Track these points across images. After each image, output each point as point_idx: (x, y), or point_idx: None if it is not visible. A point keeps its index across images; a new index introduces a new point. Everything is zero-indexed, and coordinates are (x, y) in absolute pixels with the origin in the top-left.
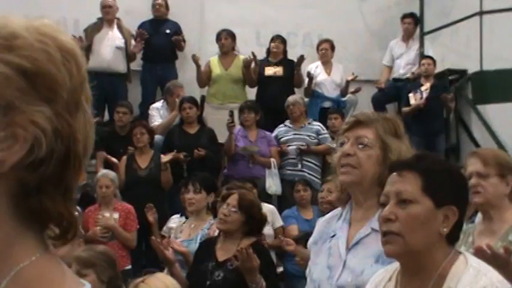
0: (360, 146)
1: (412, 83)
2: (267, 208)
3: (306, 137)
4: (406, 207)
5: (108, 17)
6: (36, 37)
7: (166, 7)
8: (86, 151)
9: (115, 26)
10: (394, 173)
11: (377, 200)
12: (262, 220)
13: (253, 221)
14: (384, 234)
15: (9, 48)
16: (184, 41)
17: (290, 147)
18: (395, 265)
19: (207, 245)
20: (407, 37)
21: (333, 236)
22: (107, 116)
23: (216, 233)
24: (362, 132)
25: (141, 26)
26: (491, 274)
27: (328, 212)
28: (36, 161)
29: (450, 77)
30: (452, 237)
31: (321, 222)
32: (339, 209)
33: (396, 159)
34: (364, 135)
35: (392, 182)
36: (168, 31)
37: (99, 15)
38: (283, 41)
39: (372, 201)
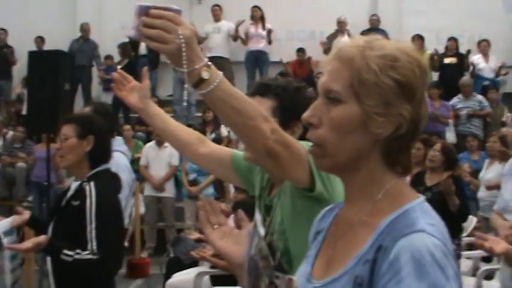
0: None
1: None
2: None
3: (472, 105)
4: None
5: (341, 28)
6: (406, 59)
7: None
8: (422, 127)
9: (346, 34)
10: None
11: None
12: (456, 159)
13: (451, 160)
14: None
15: (392, 67)
16: None
17: (462, 112)
18: None
19: (418, 176)
20: None
21: None
22: None
23: None
24: None
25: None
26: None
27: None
28: (398, 135)
29: None
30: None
31: None
32: None
33: None
34: None
35: None
36: None
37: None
38: (456, 40)
39: None
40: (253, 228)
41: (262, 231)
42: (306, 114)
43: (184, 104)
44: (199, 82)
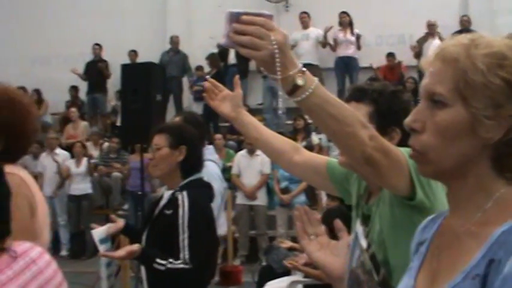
0: None
1: None
2: None
3: None
4: None
5: (431, 31)
6: None
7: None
8: None
9: (436, 37)
10: None
11: None
12: None
13: None
14: None
15: (501, 66)
16: None
17: None
18: None
19: None
20: None
21: None
22: None
23: None
24: None
25: None
26: None
27: None
28: (509, 139)
29: None
30: None
31: None
32: None
33: None
34: None
35: None
36: None
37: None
38: None
39: None
40: (354, 240)
41: (364, 243)
42: (408, 120)
43: (280, 111)
44: (294, 89)
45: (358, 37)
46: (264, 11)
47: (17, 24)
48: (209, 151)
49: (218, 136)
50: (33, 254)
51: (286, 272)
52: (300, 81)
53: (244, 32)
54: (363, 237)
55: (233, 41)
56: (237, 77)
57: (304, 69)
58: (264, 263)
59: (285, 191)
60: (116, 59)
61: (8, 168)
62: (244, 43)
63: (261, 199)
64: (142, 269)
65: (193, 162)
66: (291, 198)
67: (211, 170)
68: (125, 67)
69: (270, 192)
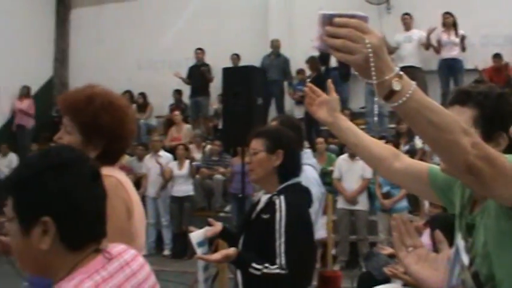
0: None
1: None
2: None
3: None
4: None
5: None
6: None
7: None
8: None
9: None
10: None
11: None
12: None
13: None
14: None
15: None
16: None
17: None
18: None
19: None
20: None
21: None
22: None
23: None
24: None
25: None
26: None
27: None
28: None
29: None
30: None
31: None
32: None
33: None
34: None
35: None
36: None
37: None
38: None
39: None
40: (454, 255)
41: (466, 259)
42: None
43: (375, 118)
44: (390, 94)
45: (462, 38)
46: (358, 13)
47: (124, 31)
48: (307, 155)
49: (320, 140)
50: (127, 256)
51: (386, 280)
52: (396, 86)
53: (337, 34)
54: (465, 253)
55: (326, 44)
56: (329, 81)
57: (401, 73)
58: (363, 269)
59: (387, 195)
60: (218, 62)
61: (106, 171)
62: (338, 46)
63: (362, 204)
64: (239, 272)
65: (291, 167)
66: (392, 204)
67: (309, 175)
68: (226, 71)
69: (371, 197)
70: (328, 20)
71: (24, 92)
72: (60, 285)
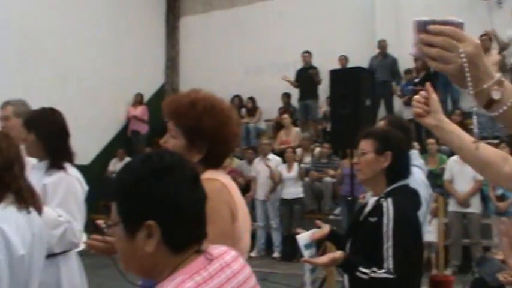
0: None
1: None
2: None
3: None
4: None
5: None
6: None
7: None
8: None
9: None
10: None
11: None
12: None
13: None
14: None
15: None
16: None
17: None
18: None
19: None
20: None
21: None
22: None
23: None
24: None
25: None
26: None
27: None
28: None
29: None
30: None
31: None
32: None
33: None
34: None
35: None
36: None
37: None
38: None
39: None
40: None
41: None
42: None
43: (475, 130)
44: (489, 103)
45: None
46: (453, 19)
47: (232, 37)
48: (414, 156)
49: (431, 141)
50: (227, 258)
51: (500, 286)
52: (495, 95)
53: (432, 43)
54: None
55: (421, 52)
56: (427, 83)
57: (502, 79)
58: (476, 275)
59: (501, 198)
60: (326, 65)
61: (210, 174)
62: (432, 56)
63: (475, 206)
64: (345, 276)
65: (399, 169)
66: (507, 206)
67: (416, 176)
68: (333, 73)
69: (484, 199)
70: (422, 26)
71: (138, 99)
72: (162, 285)
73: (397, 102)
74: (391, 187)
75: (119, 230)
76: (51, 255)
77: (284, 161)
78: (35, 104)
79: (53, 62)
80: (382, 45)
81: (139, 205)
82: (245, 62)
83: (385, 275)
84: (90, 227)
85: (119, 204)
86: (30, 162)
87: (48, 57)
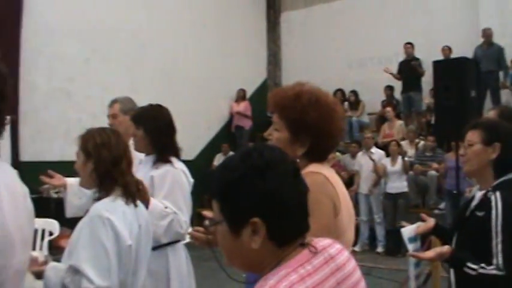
0: None
1: None
2: None
3: None
4: None
5: None
6: None
7: None
8: None
9: None
10: None
11: None
12: None
13: None
14: None
15: None
16: None
17: None
18: None
19: None
20: None
21: None
22: None
23: None
24: None
25: None
26: None
27: None
28: None
29: None
30: None
31: None
32: None
33: None
34: None
35: None
36: None
37: None
38: None
39: None
40: None
41: None
42: None
43: None
44: None
45: None
46: None
47: (333, 31)
48: None
49: None
50: (332, 251)
51: None
52: None
53: None
54: None
55: None
56: None
57: None
58: None
59: None
60: (428, 56)
61: (313, 167)
62: None
63: None
64: (452, 271)
65: (508, 161)
66: None
67: None
68: (436, 64)
69: None
70: None
71: (241, 95)
72: (266, 278)
73: (504, 93)
74: (499, 180)
75: (223, 228)
76: (160, 246)
77: (387, 155)
78: (142, 102)
79: (158, 61)
80: (486, 33)
81: (243, 203)
82: (347, 55)
83: (495, 272)
84: (196, 220)
85: (222, 204)
86: (138, 156)
87: (154, 57)
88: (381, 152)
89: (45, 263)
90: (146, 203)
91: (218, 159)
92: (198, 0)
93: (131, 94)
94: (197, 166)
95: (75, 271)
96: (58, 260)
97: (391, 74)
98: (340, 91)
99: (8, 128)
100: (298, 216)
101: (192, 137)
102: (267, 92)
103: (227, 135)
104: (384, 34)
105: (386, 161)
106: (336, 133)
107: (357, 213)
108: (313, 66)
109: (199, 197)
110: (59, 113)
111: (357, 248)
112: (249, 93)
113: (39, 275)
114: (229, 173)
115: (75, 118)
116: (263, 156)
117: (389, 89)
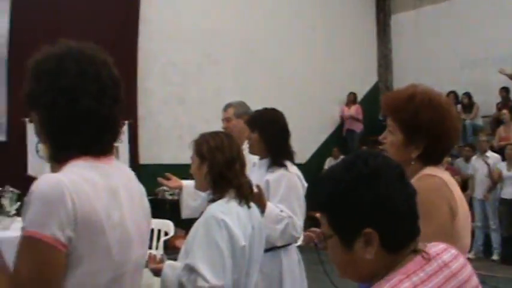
0: None
1: None
2: None
3: None
4: None
5: None
6: None
7: None
8: None
9: None
10: None
11: None
12: None
13: None
14: None
15: None
16: None
17: None
18: None
19: None
20: None
21: None
22: None
23: None
24: None
25: None
26: None
27: None
28: None
29: None
30: None
31: None
32: None
33: None
34: None
35: None
36: None
37: None
38: None
39: None
40: None
41: None
42: None
43: None
44: None
45: None
46: None
47: (443, 31)
48: None
49: None
50: (446, 257)
51: None
52: None
53: None
54: None
55: None
56: None
57: None
58: None
59: None
60: None
61: (429, 170)
62: None
63: None
64: None
65: None
66: None
67: None
68: None
69: None
70: None
71: (351, 99)
72: (379, 284)
73: None
74: None
75: (334, 242)
76: (273, 248)
77: (504, 159)
78: (254, 107)
79: (269, 66)
80: None
81: (353, 215)
82: (459, 56)
83: None
84: (308, 224)
85: (331, 217)
86: (252, 159)
87: (264, 62)
88: (497, 156)
89: (162, 261)
90: (263, 207)
91: (329, 163)
92: (307, 5)
93: (243, 99)
94: (309, 170)
95: (190, 269)
96: (173, 259)
97: (506, 75)
98: (452, 93)
99: (126, 132)
100: (408, 220)
101: (303, 141)
102: (378, 95)
103: (338, 139)
104: (498, 33)
105: (502, 166)
106: (451, 134)
107: (472, 219)
108: (424, 68)
109: (311, 201)
110: (172, 117)
111: (470, 255)
112: (360, 96)
113: (156, 272)
114: (334, 186)
115: (188, 123)
116: (368, 164)
117: (505, 90)
